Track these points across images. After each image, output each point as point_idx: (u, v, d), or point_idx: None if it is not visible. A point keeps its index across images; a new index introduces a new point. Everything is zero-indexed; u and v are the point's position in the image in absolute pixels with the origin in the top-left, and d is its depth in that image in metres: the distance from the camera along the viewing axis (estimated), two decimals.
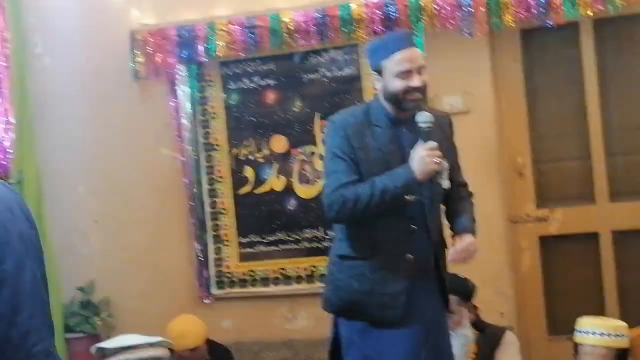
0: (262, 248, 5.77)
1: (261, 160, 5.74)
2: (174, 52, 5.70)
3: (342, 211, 3.50)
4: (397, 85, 3.50)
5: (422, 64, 3.55)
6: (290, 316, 5.81)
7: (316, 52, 5.61)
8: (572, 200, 5.54)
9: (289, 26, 5.49)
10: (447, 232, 3.79)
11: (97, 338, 5.74)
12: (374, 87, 3.78)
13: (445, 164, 3.49)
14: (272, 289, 5.78)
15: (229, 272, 5.84)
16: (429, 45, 5.13)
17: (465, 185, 3.86)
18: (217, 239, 5.85)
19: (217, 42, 5.60)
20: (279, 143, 5.71)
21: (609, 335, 3.99)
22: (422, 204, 3.57)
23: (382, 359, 3.56)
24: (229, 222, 5.82)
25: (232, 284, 5.84)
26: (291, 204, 5.71)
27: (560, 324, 5.49)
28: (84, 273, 5.99)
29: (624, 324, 4.12)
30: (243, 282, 5.82)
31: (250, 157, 5.76)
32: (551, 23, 5.16)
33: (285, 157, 5.71)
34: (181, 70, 5.78)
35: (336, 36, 5.45)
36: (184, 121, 5.80)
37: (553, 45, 5.52)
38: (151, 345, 4.34)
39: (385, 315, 3.55)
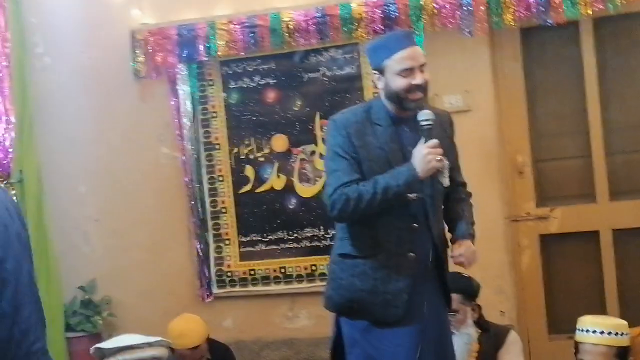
0: (263, 247, 5.77)
1: (262, 159, 5.75)
2: (174, 51, 5.71)
3: (344, 210, 3.49)
4: (399, 83, 3.50)
5: (423, 61, 3.55)
6: (291, 315, 5.81)
7: (316, 51, 5.61)
8: (572, 199, 5.54)
9: (289, 25, 5.49)
10: (447, 232, 3.80)
11: (98, 337, 5.76)
12: (374, 86, 3.77)
13: (446, 162, 3.49)
14: (272, 287, 5.78)
15: (229, 271, 5.84)
16: (429, 44, 5.13)
17: (464, 184, 3.87)
18: (218, 238, 5.85)
19: (218, 41, 5.61)
20: (280, 142, 5.72)
21: (609, 333, 3.99)
22: (423, 202, 3.57)
23: (385, 358, 3.56)
24: (229, 221, 5.82)
25: (232, 283, 5.84)
26: (292, 203, 5.71)
27: (561, 323, 5.50)
28: (85, 272, 5.99)
29: (624, 322, 4.11)
30: (244, 281, 5.82)
31: (250, 156, 5.76)
32: (551, 22, 5.17)
33: (285, 156, 5.71)
34: (182, 70, 5.79)
35: (336, 35, 5.45)
36: (185, 120, 5.81)
37: (553, 44, 5.53)
38: (150, 345, 4.35)
39: (387, 314, 3.55)
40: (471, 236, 3.69)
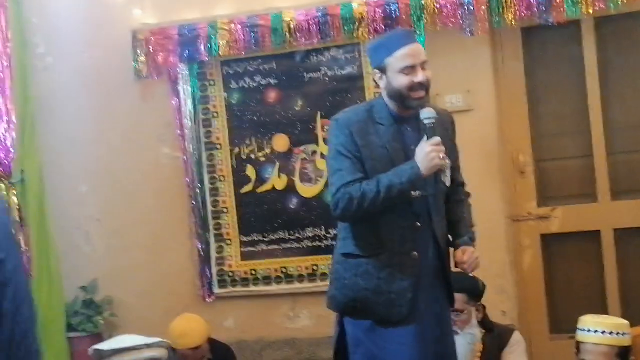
0: (264, 247, 5.77)
1: (262, 159, 5.75)
2: (175, 51, 5.71)
3: (348, 209, 3.49)
4: (401, 81, 3.50)
5: (425, 59, 3.55)
6: (292, 315, 5.81)
7: (317, 51, 5.61)
8: (573, 198, 5.54)
9: (290, 25, 5.49)
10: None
11: (99, 337, 5.76)
12: (376, 85, 3.77)
13: (448, 161, 3.49)
14: (273, 287, 5.78)
15: (230, 271, 5.84)
16: (430, 44, 5.12)
17: (463, 184, 3.87)
18: (219, 237, 5.85)
19: (219, 41, 5.61)
20: (281, 142, 5.71)
21: (610, 333, 3.98)
22: (426, 200, 3.58)
23: (389, 357, 3.55)
24: (230, 221, 5.82)
25: (233, 282, 5.84)
26: (293, 203, 5.71)
27: (562, 322, 5.49)
28: (87, 272, 6.00)
29: (625, 321, 4.10)
30: (245, 281, 5.82)
31: (251, 155, 5.76)
32: (552, 21, 5.16)
33: (286, 156, 5.71)
34: (183, 69, 5.79)
35: (337, 35, 5.45)
36: (186, 120, 5.81)
37: (554, 43, 5.52)
38: (148, 346, 4.35)
39: (391, 313, 3.54)
40: (472, 240, 3.72)
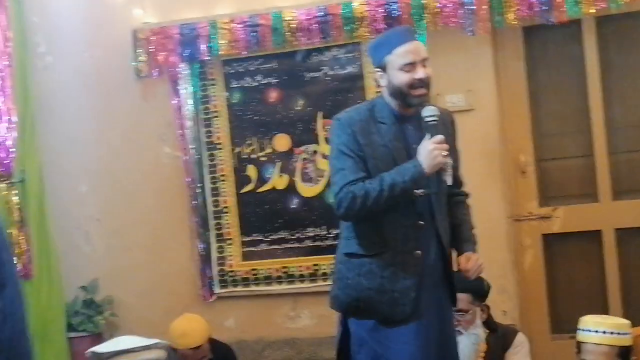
0: (265, 247, 5.76)
1: (264, 159, 5.74)
2: (176, 50, 5.70)
3: (351, 208, 3.49)
4: (401, 78, 3.50)
5: (425, 56, 3.55)
6: (293, 315, 5.81)
7: (318, 51, 5.60)
8: (575, 198, 5.54)
9: (291, 24, 5.49)
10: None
11: (100, 337, 5.76)
12: (377, 84, 3.76)
13: (449, 161, 3.49)
14: (274, 287, 5.77)
15: (231, 271, 5.84)
16: (431, 44, 5.10)
17: (462, 184, 3.86)
18: (220, 237, 5.84)
19: (220, 41, 5.60)
20: (282, 142, 5.71)
21: (611, 333, 3.98)
22: (429, 199, 3.58)
23: (393, 357, 3.55)
24: (231, 221, 5.82)
25: (234, 282, 5.83)
26: (294, 203, 5.71)
27: (563, 322, 5.49)
28: (87, 272, 5.99)
29: (626, 321, 4.11)
30: (246, 281, 5.82)
31: (252, 155, 5.76)
32: (553, 21, 5.16)
33: (287, 156, 5.70)
34: (183, 69, 5.78)
35: (338, 34, 5.45)
36: (187, 120, 5.80)
37: (555, 42, 5.52)
38: (146, 348, 4.32)
39: (395, 312, 3.54)
40: (474, 244, 3.74)
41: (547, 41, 5.52)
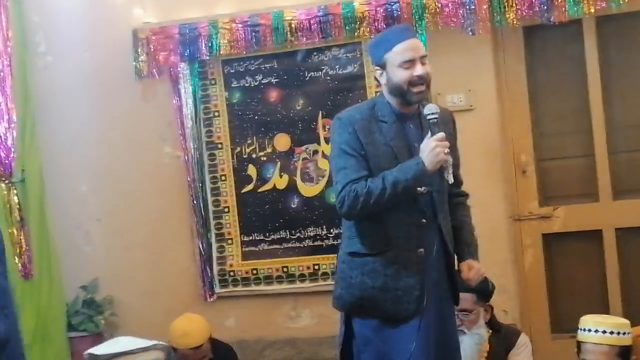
0: (265, 246, 5.76)
1: (264, 158, 5.74)
2: (176, 50, 5.70)
3: (353, 206, 3.48)
4: (401, 75, 3.50)
5: (424, 53, 3.55)
6: (294, 314, 5.81)
7: (319, 50, 5.60)
8: (575, 198, 5.54)
9: (291, 24, 5.49)
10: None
11: (100, 337, 5.76)
12: (377, 83, 3.77)
13: (450, 159, 3.49)
14: (275, 287, 5.77)
15: (232, 271, 5.83)
16: (431, 43, 5.11)
17: (462, 183, 3.86)
18: (220, 237, 5.84)
19: (220, 40, 5.60)
20: (282, 141, 5.71)
21: (611, 333, 3.97)
22: (431, 197, 3.58)
23: (398, 355, 3.54)
24: (232, 221, 5.82)
25: (235, 282, 5.83)
26: (294, 203, 5.71)
27: (564, 322, 5.49)
28: (87, 272, 5.99)
29: (626, 321, 4.10)
30: (246, 281, 5.82)
31: (253, 155, 5.75)
32: (554, 20, 5.15)
33: (288, 156, 5.70)
34: (184, 69, 5.78)
35: (339, 34, 5.44)
36: (187, 120, 5.80)
37: (556, 42, 5.52)
38: (144, 350, 4.30)
39: (399, 310, 3.54)
40: (476, 248, 3.77)
41: (548, 41, 5.52)
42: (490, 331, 4.52)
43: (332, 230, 5.57)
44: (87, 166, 6.03)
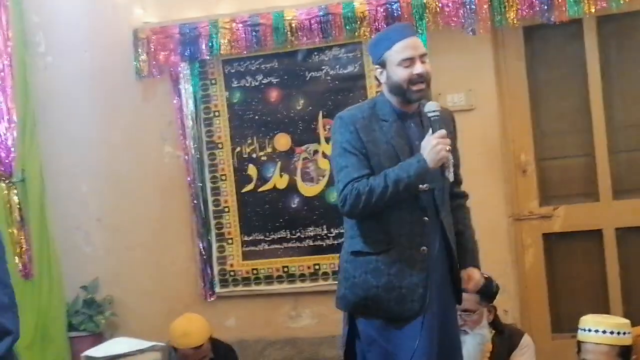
0: (266, 246, 5.76)
1: (264, 158, 5.74)
2: (176, 50, 5.70)
3: (355, 205, 3.48)
4: (400, 74, 3.50)
5: (424, 52, 3.55)
6: (294, 314, 5.81)
7: (319, 50, 5.60)
8: (575, 198, 5.54)
9: (291, 24, 5.48)
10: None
11: (100, 337, 5.77)
12: (377, 81, 3.77)
13: (451, 157, 3.49)
14: (275, 287, 5.77)
15: (232, 271, 5.83)
16: (432, 43, 5.11)
17: (461, 182, 3.86)
18: (221, 237, 5.84)
19: (220, 40, 5.60)
20: (282, 141, 5.70)
21: (611, 332, 3.97)
22: (433, 195, 3.58)
23: (403, 354, 3.53)
24: (232, 221, 5.82)
25: (235, 282, 5.83)
26: (294, 202, 5.70)
27: (564, 322, 5.49)
28: (88, 272, 5.99)
29: (626, 321, 4.10)
30: (246, 281, 5.82)
31: (253, 155, 5.75)
32: (554, 20, 5.15)
33: (288, 155, 5.70)
34: (184, 68, 5.78)
35: (339, 34, 5.44)
36: (187, 119, 5.80)
37: (556, 42, 5.52)
38: (142, 351, 4.31)
39: (403, 309, 3.53)
40: (476, 253, 3.80)
41: (548, 40, 5.52)
42: (494, 331, 4.51)
43: (332, 230, 5.57)
44: (87, 166, 6.03)
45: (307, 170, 5.67)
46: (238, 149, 5.77)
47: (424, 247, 3.56)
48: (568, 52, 5.53)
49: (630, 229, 5.45)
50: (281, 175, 5.71)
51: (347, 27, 5.41)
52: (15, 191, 5.63)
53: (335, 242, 5.51)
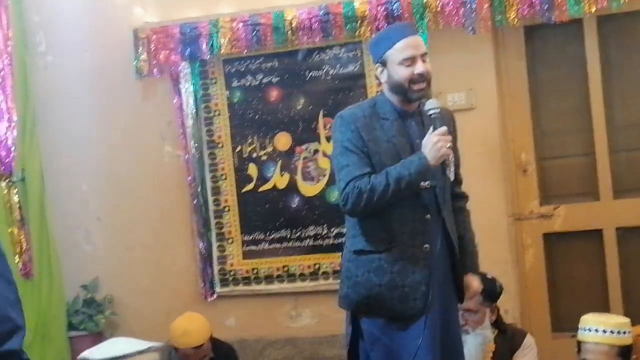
0: (266, 246, 5.76)
1: (265, 157, 5.73)
2: (177, 49, 5.70)
3: (357, 203, 3.48)
4: (401, 73, 3.51)
5: (425, 51, 3.56)
6: (294, 314, 5.80)
7: (319, 50, 5.60)
8: (575, 197, 5.54)
9: (292, 23, 5.48)
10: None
11: (100, 336, 5.76)
12: (378, 80, 3.77)
13: (452, 156, 3.49)
14: (275, 286, 5.77)
15: (232, 270, 5.83)
16: (432, 42, 5.11)
17: (461, 182, 3.87)
18: (221, 236, 5.84)
19: (221, 40, 5.60)
20: (283, 140, 5.70)
21: (611, 332, 3.98)
22: (434, 192, 3.58)
23: (406, 352, 3.54)
24: (232, 220, 5.81)
25: (235, 281, 5.83)
26: (295, 202, 5.70)
27: (565, 321, 5.49)
28: (88, 271, 5.99)
29: (627, 320, 4.10)
30: (247, 280, 5.81)
31: (253, 154, 5.75)
32: (555, 19, 5.15)
33: (288, 155, 5.69)
34: (184, 68, 5.77)
35: (339, 33, 5.44)
36: (187, 119, 5.79)
37: (556, 41, 5.52)
38: (140, 353, 4.29)
39: (406, 308, 3.54)
40: (476, 257, 3.84)
41: (549, 40, 5.52)
42: (496, 331, 4.51)
43: (332, 230, 5.57)
44: (87, 165, 6.03)
45: (307, 170, 5.67)
46: (238, 148, 5.77)
47: (427, 245, 3.56)
48: (568, 52, 5.53)
49: (630, 228, 5.45)
50: (281, 175, 5.71)
51: (348, 27, 5.40)
52: (15, 190, 5.63)
53: (336, 241, 5.51)
